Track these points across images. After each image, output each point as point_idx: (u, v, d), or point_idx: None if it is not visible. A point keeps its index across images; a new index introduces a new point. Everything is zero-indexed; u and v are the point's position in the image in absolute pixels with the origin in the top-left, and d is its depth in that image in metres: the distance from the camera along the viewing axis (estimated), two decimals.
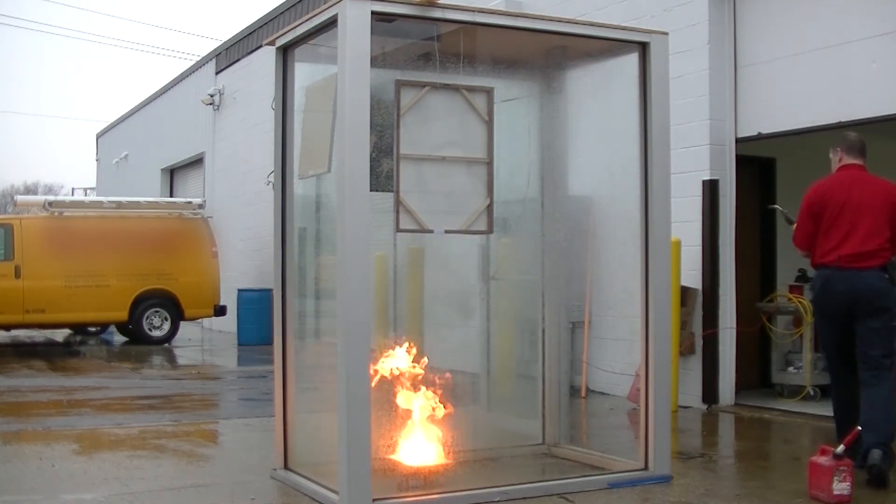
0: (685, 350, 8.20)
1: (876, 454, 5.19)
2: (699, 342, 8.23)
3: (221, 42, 19.92)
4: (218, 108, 19.50)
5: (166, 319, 15.32)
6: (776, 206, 7.09)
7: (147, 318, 15.19)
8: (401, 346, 5.35)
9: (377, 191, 5.14)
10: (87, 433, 7.07)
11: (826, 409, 5.93)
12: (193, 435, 7.08)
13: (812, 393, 8.18)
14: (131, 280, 14.87)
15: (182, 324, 15.61)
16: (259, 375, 11.06)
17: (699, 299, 8.24)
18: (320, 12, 4.92)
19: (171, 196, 22.78)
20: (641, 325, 5.51)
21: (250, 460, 6.08)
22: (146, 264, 14.93)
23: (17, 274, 14.10)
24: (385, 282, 7.49)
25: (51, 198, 16.84)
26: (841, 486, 4.86)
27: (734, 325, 8.26)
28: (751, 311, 8.55)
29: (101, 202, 15.64)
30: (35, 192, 54.65)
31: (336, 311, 4.69)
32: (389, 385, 5.34)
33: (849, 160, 5.74)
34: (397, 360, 5.32)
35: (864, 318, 5.50)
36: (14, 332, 16.51)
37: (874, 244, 5.50)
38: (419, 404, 5.30)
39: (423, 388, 5.34)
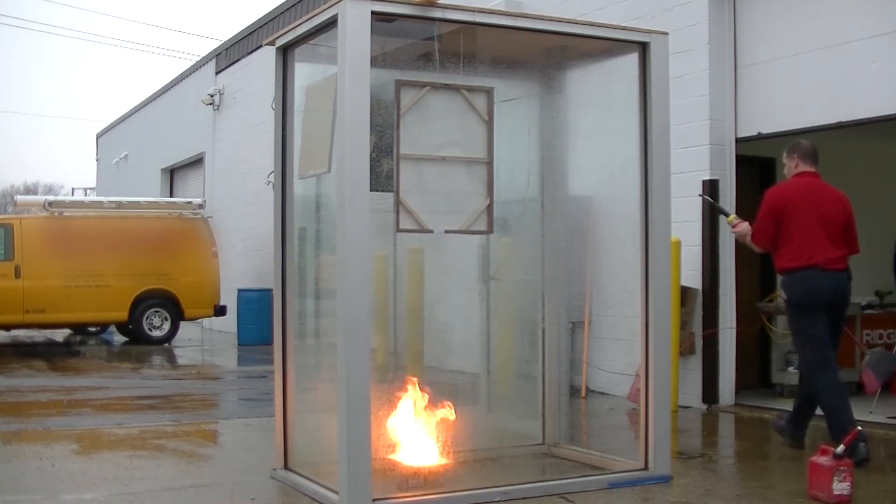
0: (685, 350, 8.20)
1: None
2: (699, 342, 8.23)
3: (221, 42, 19.91)
4: (218, 108, 19.49)
5: (166, 319, 15.32)
6: (706, 197, 7.08)
7: (147, 318, 15.19)
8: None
9: (377, 191, 5.13)
10: (87, 433, 7.07)
11: None
12: (193, 435, 7.08)
13: None
14: (131, 280, 14.87)
15: (182, 324, 15.61)
16: (259, 375, 11.05)
17: (699, 299, 8.24)
18: (320, 12, 4.91)
19: (171, 196, 22.78)
20: (641, 325, 5.51)
21: (250, 460, 6.08)
22: (146, 264, 14.93)
23: (17, 274, 14.09)
24: (385, 282, 7.49)
25: (51, 198, 16.84)
26: (841, 486, 4.86)
27: (734, 325, 8.26)
28: (751, 311, 8.53)
29: (101, 202, 15.63)
30: (35, 192, 54.69)
31: (336, 311, 4.69)
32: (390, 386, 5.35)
33: (805, 167, 6.13)
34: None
35: (837, 314, 6.03)
36: (14, 332, 16.50)
37: (843, 249, 5.98)
38: (419, 404, 5.31)
39: (422, 388, 5.35)
